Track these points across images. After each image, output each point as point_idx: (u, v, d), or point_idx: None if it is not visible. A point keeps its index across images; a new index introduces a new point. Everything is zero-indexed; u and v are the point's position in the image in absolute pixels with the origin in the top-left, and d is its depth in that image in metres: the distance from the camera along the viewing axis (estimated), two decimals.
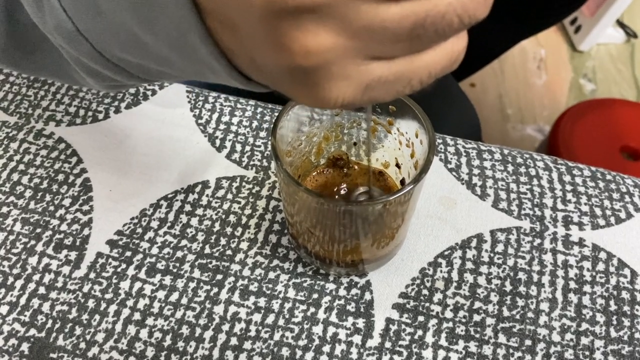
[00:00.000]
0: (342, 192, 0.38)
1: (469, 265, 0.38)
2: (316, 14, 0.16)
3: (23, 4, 0.25)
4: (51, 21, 0.23)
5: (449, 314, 0.36)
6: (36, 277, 0.37)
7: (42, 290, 0.37)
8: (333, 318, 0.36)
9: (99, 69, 0.25)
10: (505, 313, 0.36)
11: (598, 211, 0.41)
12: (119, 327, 0.36)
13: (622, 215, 0.41)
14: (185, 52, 0.20)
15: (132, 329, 0.35)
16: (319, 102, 0.18)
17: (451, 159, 0.44)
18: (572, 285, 0.38)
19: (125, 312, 0.36)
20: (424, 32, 0.17)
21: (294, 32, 0.16)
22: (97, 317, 0.36)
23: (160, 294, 0.37)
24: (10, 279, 0.37)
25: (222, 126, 0.46)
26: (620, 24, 1.47)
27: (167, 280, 0.37)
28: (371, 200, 0.32)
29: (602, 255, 0.39)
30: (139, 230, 0.40)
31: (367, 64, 0.18)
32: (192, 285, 0.37)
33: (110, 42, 0.22)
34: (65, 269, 0.38)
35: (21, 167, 0.43)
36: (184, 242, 0.39)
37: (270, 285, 0.37)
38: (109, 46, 0.23)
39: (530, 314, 0.36)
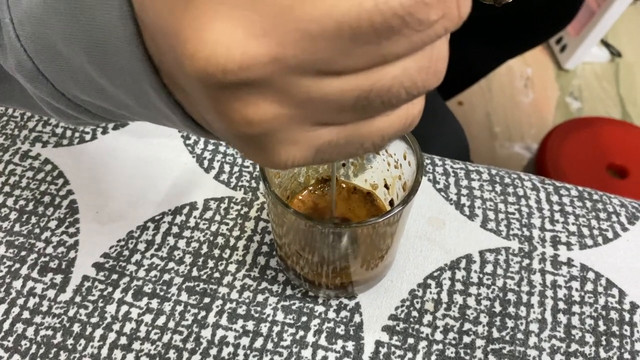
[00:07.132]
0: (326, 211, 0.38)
1: (459, 286, 0.38)
2: (254, 87, 0.15)
3: None
4: (12, 60, 0.23)
5: (438, 336, 0.36)
6: (20, 301, 0.37)
7: (26, 314, 0.36)
8: (322, 341, 0.36)
9: (62, 107, 0.24)
10: (495, 334, 0.36)
11: (586, 231, 0.41)
12: (104, 351, 0.35)
13: (610, 235, 0.41)
14: (141, 99, 0.20)
15: (118, 354, 0.35)
16: (271, 164, 0.18)
17: (439, 179, 0.44)
18: (561, 305, 0.38)
19: (112, 336, 0.36)
20: (369, 103, 0.16)
21: (233, 104, 0.16)
22: (82, 341, 0.35)
23: (147, 318, 0.36)
24: None
25: (210, 147, 0.45)
26: (604, 43, 1.49)
27: (154, 303, 0.37)
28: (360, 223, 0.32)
29: (591, 275, 0.39)
30: (126, 252, 0.39)
31: (315, 129, 0.17)
32: (179, 308, 0.37)
33: (70, 83, 0.22)
34: (51, 293, 0.37)
35: (6, 189, 0.42)
36: (171, 264, 0.39)
37: (259, 308, 0.37)
38: (69, 87, 0.22)
39: (519, 335, 0.36)
